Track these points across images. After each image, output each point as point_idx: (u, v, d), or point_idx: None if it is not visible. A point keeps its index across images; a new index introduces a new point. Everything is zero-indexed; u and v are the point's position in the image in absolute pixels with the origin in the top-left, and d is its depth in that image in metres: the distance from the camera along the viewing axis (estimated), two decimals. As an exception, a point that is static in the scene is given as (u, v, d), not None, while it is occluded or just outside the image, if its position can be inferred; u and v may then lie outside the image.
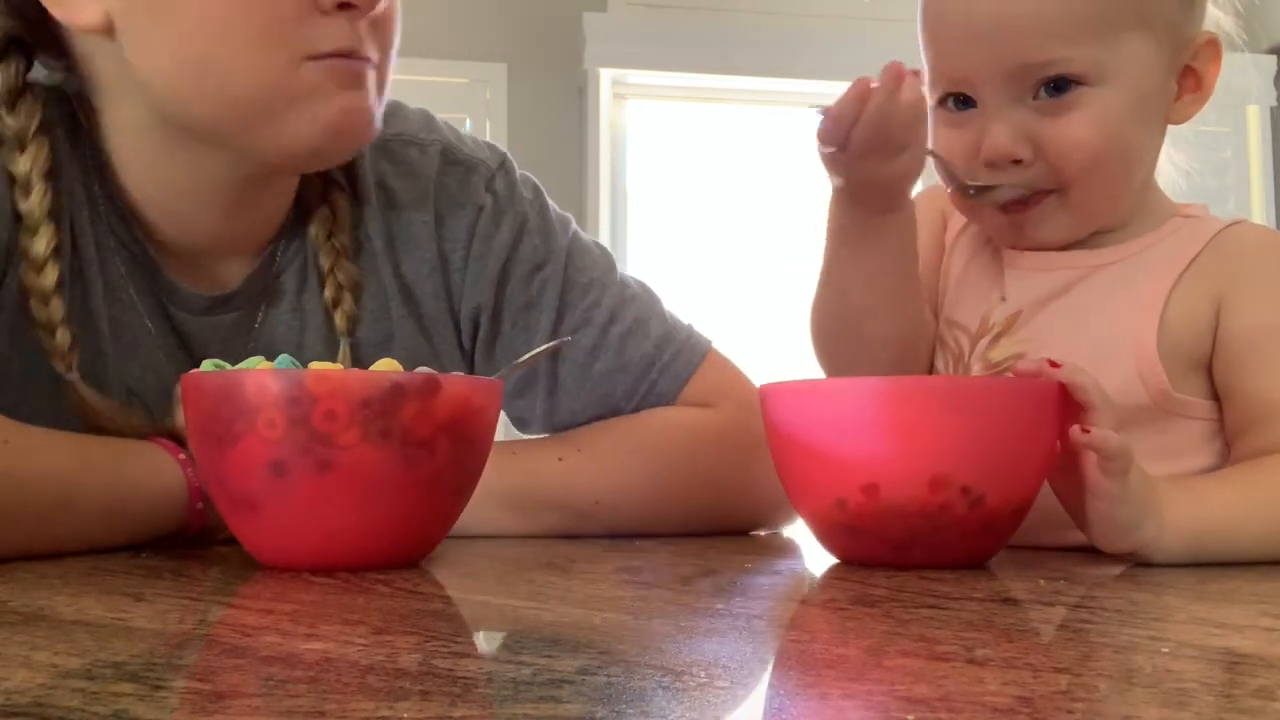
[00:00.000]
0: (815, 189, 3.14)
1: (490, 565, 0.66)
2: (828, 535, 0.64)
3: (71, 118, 0.77)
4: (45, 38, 0.74)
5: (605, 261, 0.90)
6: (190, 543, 0.71)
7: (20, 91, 0.74)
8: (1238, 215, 0.84)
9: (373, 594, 0.51)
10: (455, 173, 0.86)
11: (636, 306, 0.89)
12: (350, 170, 0.84)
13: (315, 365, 0.60)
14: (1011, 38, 0.73)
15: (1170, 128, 0.81)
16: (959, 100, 0.76)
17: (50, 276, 0.72)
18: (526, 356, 0.76)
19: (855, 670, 0.36)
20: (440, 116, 0.91)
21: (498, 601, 0.53)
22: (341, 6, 0.68)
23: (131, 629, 0.42)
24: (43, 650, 0.37)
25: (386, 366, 0.61)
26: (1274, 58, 3.05)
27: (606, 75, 2.96)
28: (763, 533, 0.88)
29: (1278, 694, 0.32)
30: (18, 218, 0.73)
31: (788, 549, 0.78)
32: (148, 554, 0.67)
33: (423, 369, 0.61)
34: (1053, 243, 0.78)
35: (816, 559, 0.67)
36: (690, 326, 0.92)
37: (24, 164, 0.72)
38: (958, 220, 0.85)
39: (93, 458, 0.68)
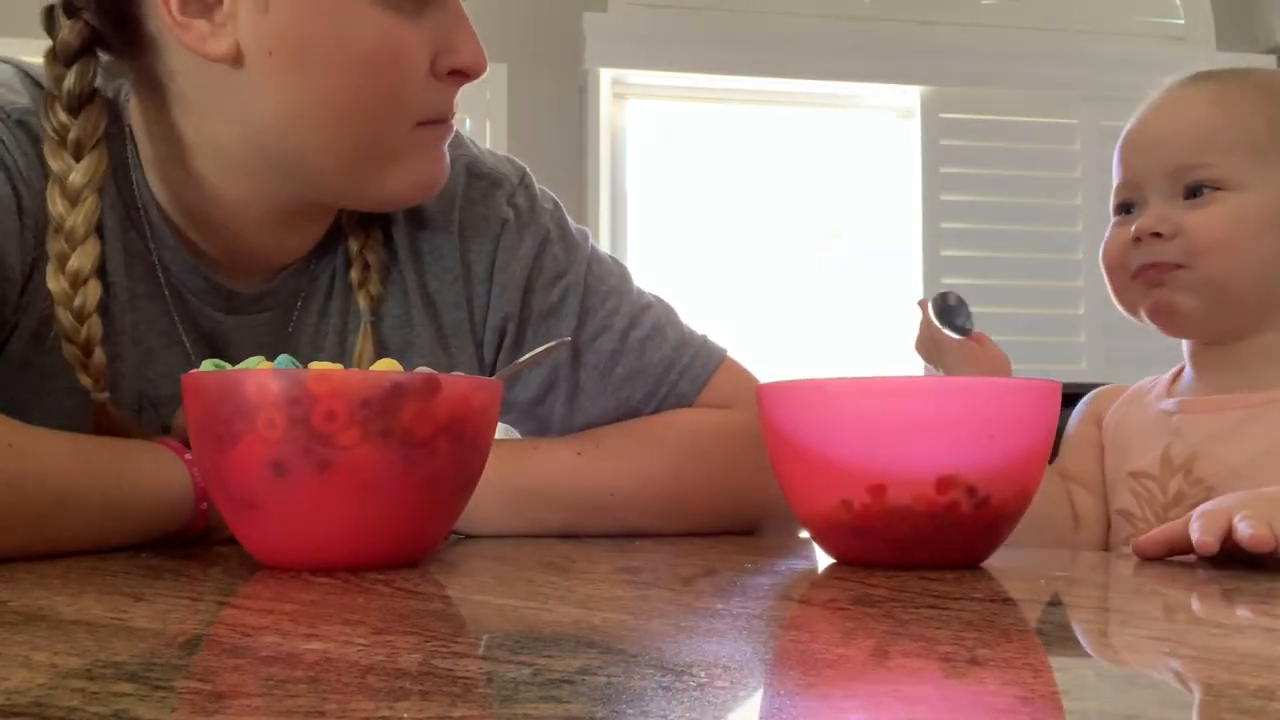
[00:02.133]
0: (815, 189, 3.11)
1: (490, 565, 0.66)
2: (829, 536, 0.64)
3: (113, 123, 0.76)
4: (128, 41, 0.74)
5: (621, 271, 0.93)
6: (191, 543, 0.71)
7: (89, 97, 0.73)
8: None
9: (373, 594, 0.51)
10: (479, 187, 0.88)
11: (654, 314, 0.91)
12: None
13: (315, 365, 0.60)
14: (1174, 144, 0.89)
15: None
16: (1127, 208, 0.92)
17: (93, 294, 0.71)
18: (527, 356, 0.77)
19: (855, 670, 0.35)
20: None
21: (498, 601, 0.53)
22: (453, 74, 0.74)
23: (131, 629, 0.42)
24: (43, 650, 0.37)
25: (386, 366, 0.61)
26: (1274, 58, 3.05)
27: (606, 75, 2.96)
28: (772, 534, 0.88)
29: (1278, 694, 0.32)
30: (47, 219, 0.72)
31: (787, 549, 0.78)
32: (148, 554, 0.67)
33: (423, 369, 0.61)
34: (1189, 321, 0.89)
35: (816, 559, 0.67)
36: (705, 335, 0.94)
37: (78, 176, 0.71)
38: (1111, 416, 0.97)
39: (96, 459, 0.68)
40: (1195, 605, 0.53)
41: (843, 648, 0.40)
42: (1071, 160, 3.00)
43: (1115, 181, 0.93)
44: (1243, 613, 0.50)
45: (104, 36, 0.73)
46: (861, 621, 0.46)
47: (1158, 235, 0.87)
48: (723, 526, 0.86)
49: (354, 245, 0.84)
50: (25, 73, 0.77)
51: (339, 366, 0.59)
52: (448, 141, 0.77)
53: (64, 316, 0.71)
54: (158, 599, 0.50)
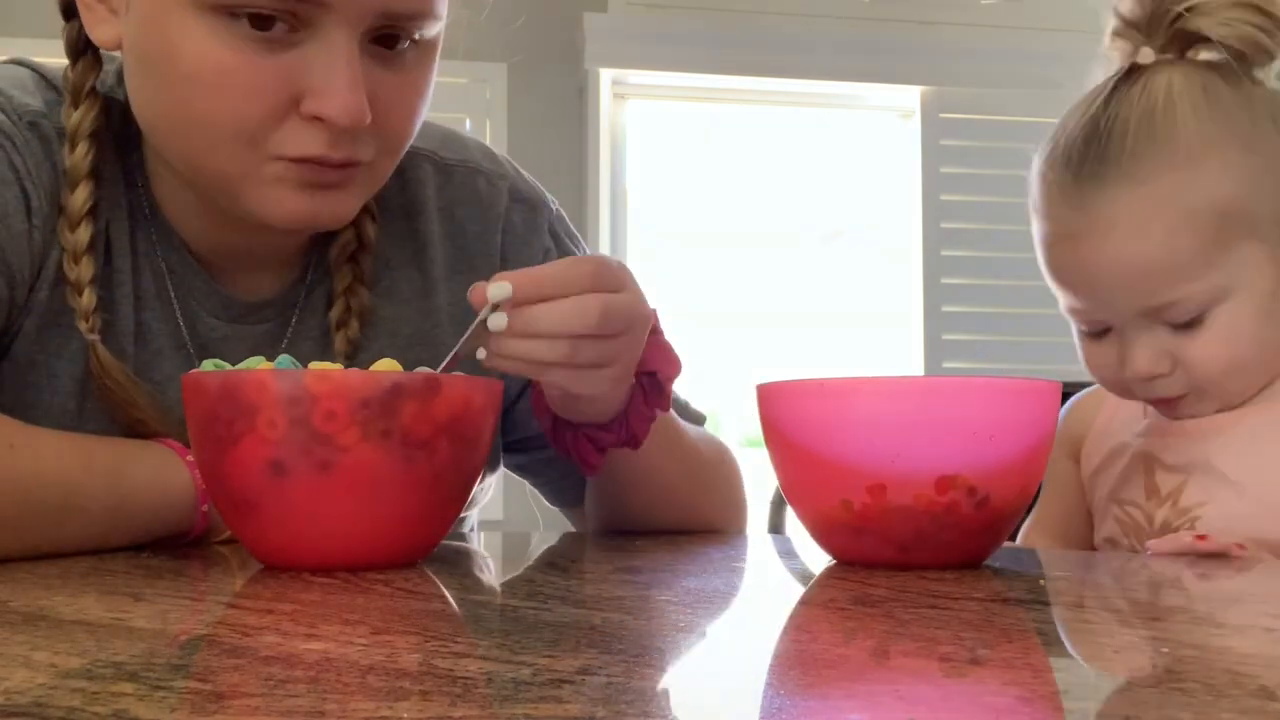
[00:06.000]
0: (815, 189, 3.11)
1: (490, 565, 0.66)
2: (829, 536, 0.64)
3: (124, 124, 0.77)
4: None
5: None
6: (190, 544, 0.71)
7: (89, 92, 0.74)
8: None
9: (373, 594, 0.51)
10: (521, 210, 0.88)
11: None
12: (407, 193, 0.86)
13: (315, 365, 0.60)
14: (1131, 288, 0.78)
15: None
16: (1097, 326, 0.83)
17: (83, 235, 0.73)
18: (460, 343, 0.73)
19: (856, 670, 0.35)
20: (440, 116, 0.92)
21: (498, 601, 0.53)
22: (316, 120, 0.67)
23: (131, 629, 0.42)
24: (43, 650, 0.37)
25: (387, 367, 0.61)
26: (1274, 58, 3.05)
27: (606, 75, 2.96)
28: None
29: (1278, 694, 0.32)
30: (60, 210, 0.74)
31: (788, 549, 0.78)
32: (148, 554, 0.67)
33: (423, 369, 0.61)
34: (1202, 414, 0.82)
35: (816, 559, 0.67)
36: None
37: (72, 160, 0.73)
38: (1090, 444, 0.91)
39: (98, 458, 0.68)
40: (1195, 605, 0.53)
41: (843, 648, 0.40)
42: (1071, 160, 3.00)
43: (1066, 302, 0.83)
44: (1243, 613, 0.50)
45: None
46: (861, 621, 0.46)
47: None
48: (700, 513, 0.91)
49: (338, 285, 0.81)
50: (40, 75, 0.78)
51: (339, 367, 0.59)
52: (331, 188, 0.71)
53: (65, 260, 0.73)
54: (158, 599, 0.50)
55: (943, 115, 3.04)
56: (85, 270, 0.73)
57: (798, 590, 0.60)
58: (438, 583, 0.57)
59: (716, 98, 3.12)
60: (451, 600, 0.53)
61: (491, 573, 0.65)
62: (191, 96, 0.67)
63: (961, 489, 0.59)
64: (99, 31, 0.71)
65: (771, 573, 0.68)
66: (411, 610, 0.47)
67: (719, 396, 2.98)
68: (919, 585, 0.54)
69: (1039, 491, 0.77)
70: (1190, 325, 0.78)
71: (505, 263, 0.86)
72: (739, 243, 3.11)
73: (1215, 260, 0.77)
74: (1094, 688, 0.33)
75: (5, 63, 0.80)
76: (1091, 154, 0.79)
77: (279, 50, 0.66)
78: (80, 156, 0.73)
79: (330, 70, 0.66)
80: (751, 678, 0.36)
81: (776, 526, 1.29)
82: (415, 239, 0.85)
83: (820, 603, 0.54)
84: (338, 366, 0.59)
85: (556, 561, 0.66)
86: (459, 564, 0.65)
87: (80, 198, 0.73)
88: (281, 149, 0.68)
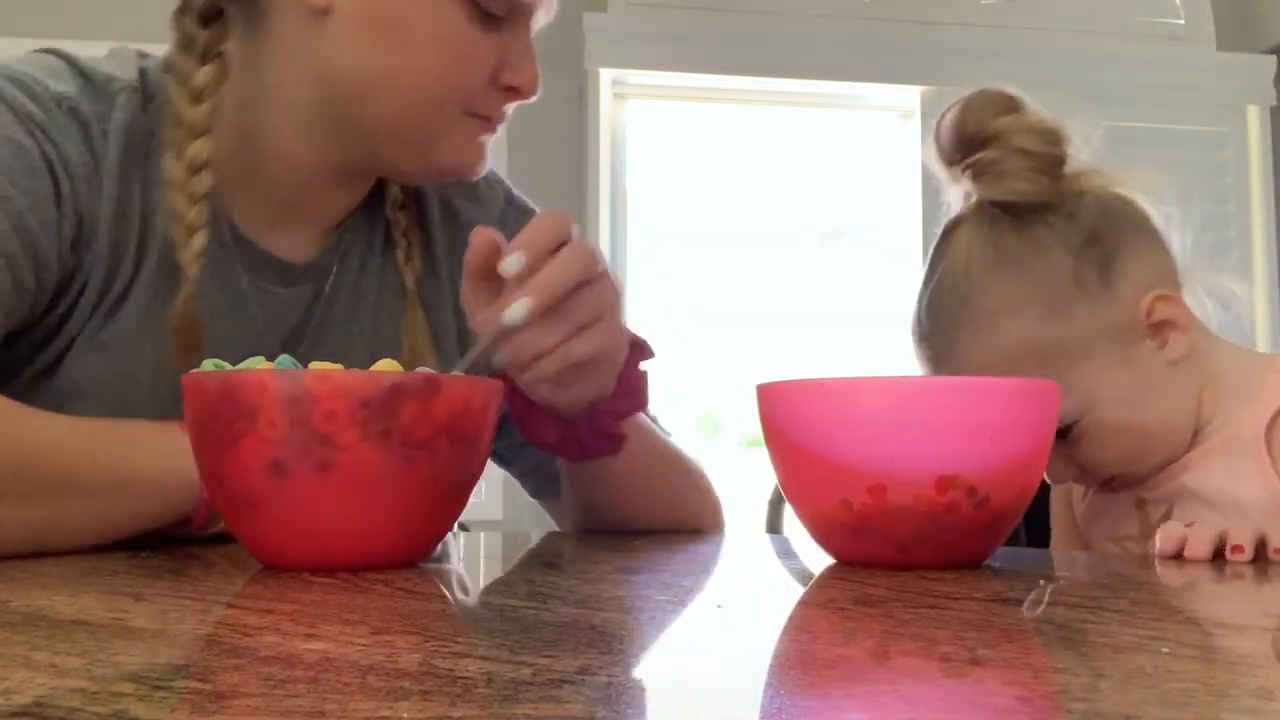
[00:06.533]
0: (815, 189, 3.10)
1: (490, 565, 0.66)
2: (829, 536, 0.64)
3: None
4: None
5: None
6: (191, 538, 0.71)
7: (217, 54, 0.80)
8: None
9: (373, 594, 0.51)
10: (514, 213, 0.96)
11: None
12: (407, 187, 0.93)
13: (315, 365, 0.60)
14: None
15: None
16: None
17: (204, 182, 0.78)
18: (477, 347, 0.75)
19: (855, 670, 0.36)
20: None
21: (498, 601, 0.53)
22: (508, 89, 0.82)
23: (131, 629, 0.42)
24: (43, 650, 0.37)
25: (386, 366, 0.61)
26: (1274, 58, 3.05)
27: (606, 75, 2.96)
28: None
29: (1278, 694, 0.32)
30: (96, 204, 0.77)
31: (787, 549, 0.78)
32: (148, 554, 0.67)
33: (423, 369, 0.61)
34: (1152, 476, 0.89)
35: (816, 559, 0.67)
36: None
37: (201, 77, 0.79)
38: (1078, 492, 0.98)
39: (101, 438, 0.70)
40: (1195, 605, 0.53)
41: (843, 648, 0.40)
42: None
43: None
44: (1242, 613, 0.50)
45: None
46: (861, 621, 0.46)
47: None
48: (670, 510, 0.93)
49: (398, 224, 0.91)
50: (71, 62, 0.80)
51: (339, 366, 0.59)
52: (489, 140, 0.84)
53: (176, 199, 0.78)
54: (158, 599, 0.50)
55: (943, 115, 3.04)
56: (200, 214, 0.78)
57: (798, 590, 0.60)
58: (438, 583, 0.57)
59: (716, 98, 3.12)
60: (451, 600, 0.53)
61: (491, 573, 0.65)
62: (428, 63, 0.78)
63: (961, 489, 0.59)
64: None
65: (771, 573, 0.68)
66: (411, 610, 0.47)
67: (719, 396, 2.99)
68: (919, 585, 0.54)
69: (1039, 492, 0.79)
70: (1072, 443, 0.85)
71: None
72: (739, 243, 3.11)
73: (1066, 368, 0.83)
74: (1094, 688, 0.33)
75: (37, 52, 0.82)
76: (927, 332, 0.89)
77: (493, 33, 0.80)
78: (204, 113, 0.79)
79: (523, 53, 0.83)
80: (751, 678, 0.36)
81: (775, 526, 1.29)
82: (419, 224, 0.93)
83: (820, 603, 0.54)
84: (338, 367, 0.59)
85: (556, 561, 0.66)
86: (459, 564, 0.65)
87: (203, 149, 0.78)
88: (479, 109, 0.81)
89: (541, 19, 0.85)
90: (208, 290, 0.81)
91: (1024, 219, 0.85)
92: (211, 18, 0.81)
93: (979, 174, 0.86)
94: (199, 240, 0.78)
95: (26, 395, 0.72)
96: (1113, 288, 0.85)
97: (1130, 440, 0.86)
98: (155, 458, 0.70)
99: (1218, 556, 0.66)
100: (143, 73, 0.82)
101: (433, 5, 0.77)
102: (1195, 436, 0.88)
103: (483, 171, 0.86)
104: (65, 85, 0.77)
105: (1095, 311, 0.85)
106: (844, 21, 3.04)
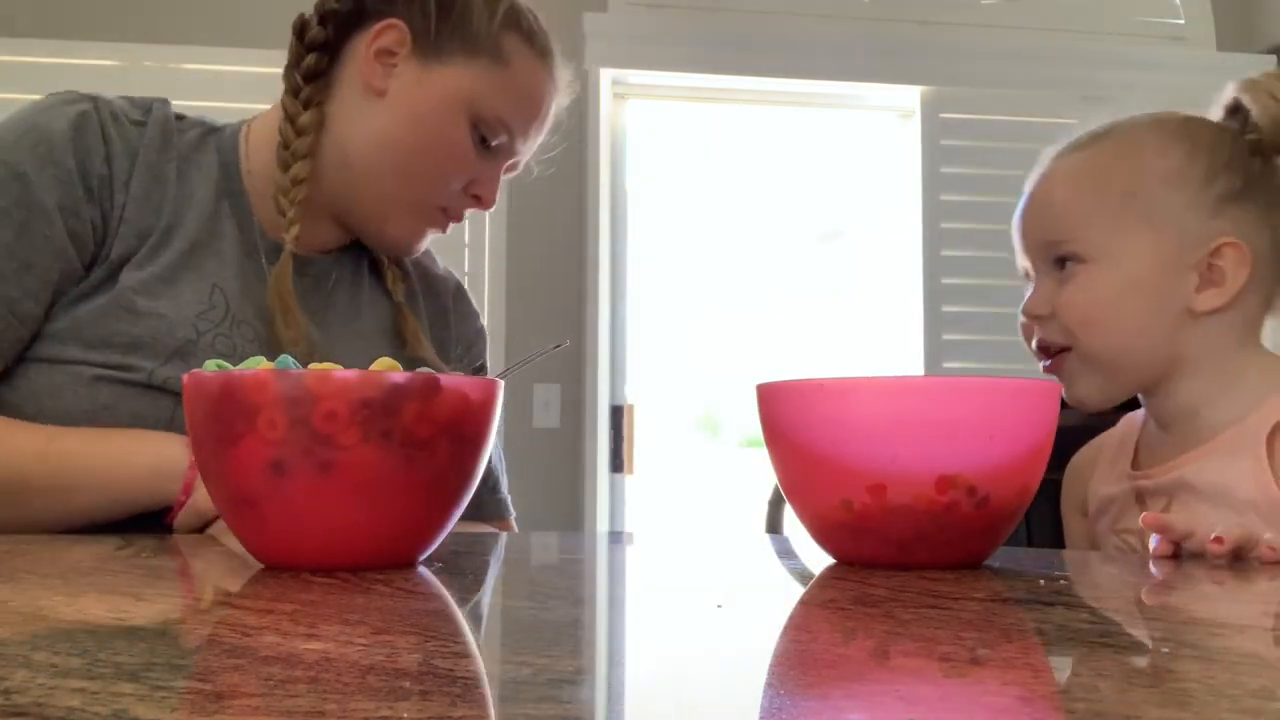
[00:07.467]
0: (815, 189, 3.10)
1: (490, 565, 0.66)
2: (829, 536, 0.64)
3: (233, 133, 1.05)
4: (336, 52, 1.03)
5: None
6: (172, 527, 0.71)
7: (316, 75, 1.02)
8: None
9: (373, 594, 0.51)
10: (463, 302, 1.20)
11: None
12: None
13: (315, 366, 0.60)
14: (1038, 220, 0.94)
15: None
16: (1029, 275, 0.97)
17: (302, 170, 1.00)
18: (525, 358, 0.83)
19: (855, 670, 0.36)
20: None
21: (498, 602, 0.53)
22: (472, 197, 1.06)
23: (131, 629, 0.42)
24: (43, 650, 0.37)
25: (386, 367, 0.61)
26: (1274, 58, 3.05)
27: (606, 75, 2.96)
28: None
29: (1278, 694, 0.32)
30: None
31: (787, 549, 0.78)
32: (148, 554, 0.67)
33: (423, 369, 0.61)
34: (1092, 400, 0.93)
35: (816, 559, 0.67)
36: None
37: (305, 118, 1.01)
38: (1091, 486, 1.00)
39: (74, 434, 0.87)
40: (1195, 605, 0.53)
41: (843, 648, 0.40)
42: (1071, 160, 3.00)
43: (1019, 262, 0.98)
44: (1243, 613, 0.50)
45: (329, 41, 1.03)
46: (861, 621, 0.46)
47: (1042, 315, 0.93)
48: None
49: (386, 264, 1.13)
50: (126, 99, 1.00)
51: (339, 367, 0.59)
52: (433, 234, 1.07)
53: (280, 201, 0.99)
54: (158, 599, 0.50)
55: (943, 115, 3.04)
56: (298, 192, 0.99)
57: (798, 590, 0.60)
58: (438, 583, 0.57)
59: (716, 98, 3.12)
60: (451, 600, 0.53)
61: (491, 573, 0.65)
62: (429, 160, 1.01)
63: (961, 489, 0.59)
64: (378, 82, 1.00)
65: (771, 573, 0.68)
66: (411, 610, 0.47)
67: (719, 396, 2.99)
68: (919, 585, 0.54)
69: (1039, 492, 0.79)
70: (1065, 279, 0.91)
71: (458, 301, 1.20)
72: (739, 242, 3.11)
73: (1104, 225, 0.89)
74: (1094, 688, 0.33)
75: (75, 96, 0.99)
76: (1074, 142, 0.96)
77: (483, 155, 1.04)
78: (308, 120, 1.01)
79: (495, 177, 1.07)
80: (751, 678, 0.36)
81: (775, 526, 1.29)
82: (398, 263, 1.15)
83: (820, 603, 0.54)
84: (337, 367, 0.59)
85: (556, 561, 0.66)
86: (459, 564, 0.65)
87: (303, 169, 1.00)
88: (443, 202, 1.04)
89: (562, 100, 1.12)
90: (242, 269, 0.99)
91: (1232, 128, 0.92)
92: (312, 77, 1.03)
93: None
94: (294, 230, 0.98)
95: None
96: (1224, 214, 0.88)
97: (1104, 311, 0.89)
98: (145, 439, 0.86)
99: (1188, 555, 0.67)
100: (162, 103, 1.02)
101: (454, 120, 1.01)
102: (1205, 433, 0.89)
103: (417, 254, 1.09)
104: (135, 108, 0.98)
105: (1198, 216, 0.88)
106: (844, 21, 3.04)
